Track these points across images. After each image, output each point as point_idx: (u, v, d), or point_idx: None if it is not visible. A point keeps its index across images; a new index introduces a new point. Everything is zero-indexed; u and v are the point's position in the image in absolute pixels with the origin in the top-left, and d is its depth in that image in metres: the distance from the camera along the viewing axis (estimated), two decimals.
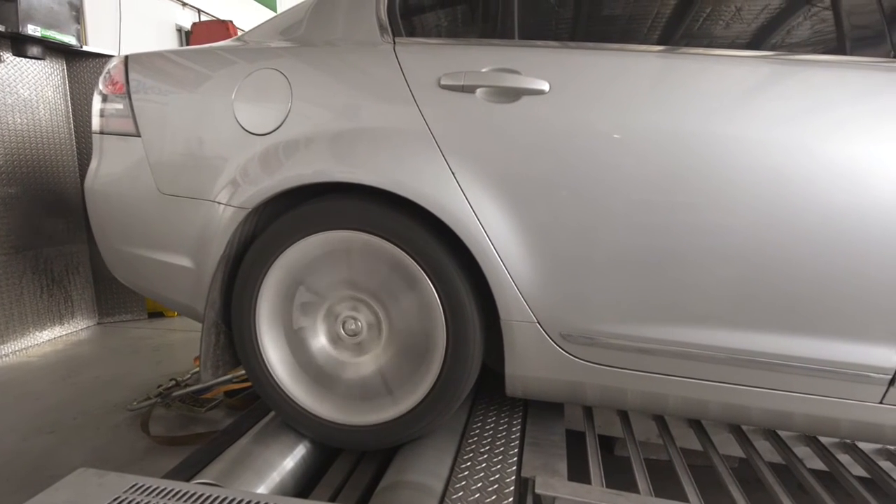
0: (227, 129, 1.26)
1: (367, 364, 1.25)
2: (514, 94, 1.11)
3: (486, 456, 1.23)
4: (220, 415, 2.16)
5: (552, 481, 1.13)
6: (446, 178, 1.12)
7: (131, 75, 1.39)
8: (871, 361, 1.05)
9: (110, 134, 1.45)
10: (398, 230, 1.14)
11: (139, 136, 1.37)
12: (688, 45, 1.12)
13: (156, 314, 3.69)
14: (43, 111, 3.03)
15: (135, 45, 3.84)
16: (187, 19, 4.49)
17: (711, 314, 1.09)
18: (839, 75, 1.02)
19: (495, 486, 1.11)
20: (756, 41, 1.10)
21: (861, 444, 1.48)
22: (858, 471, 1.41)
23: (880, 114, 0.99)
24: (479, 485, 1.12)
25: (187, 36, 4.44)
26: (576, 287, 1.12)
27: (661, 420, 1.56)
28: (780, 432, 1.52)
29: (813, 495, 1.24)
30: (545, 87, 1.10)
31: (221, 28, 4.36)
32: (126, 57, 1.42)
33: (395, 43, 1.21)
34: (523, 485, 1.14)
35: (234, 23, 4.47)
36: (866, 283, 1.02)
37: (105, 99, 1.46)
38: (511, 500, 1.07)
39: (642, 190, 1.06)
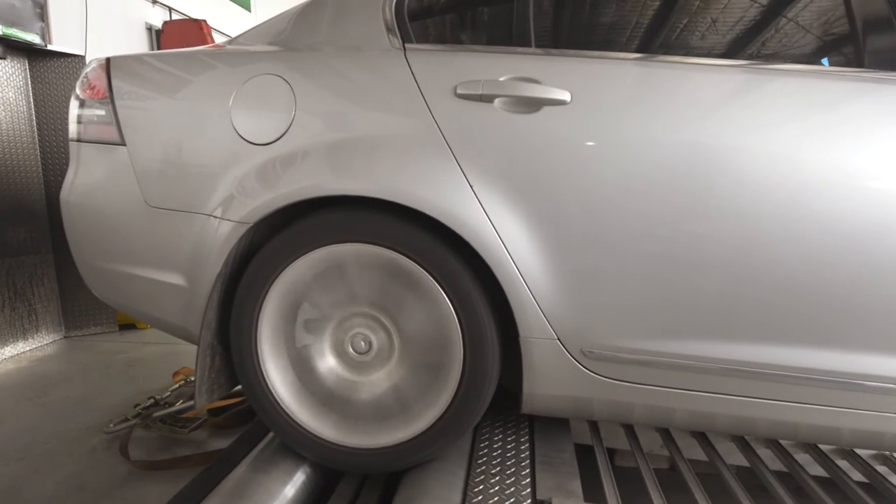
0: (224, 139, 1.19)
1: (378, 384, 1.20)
2: (534, 105, 1.08)
3: (497, 478, 1.20)
4: (205, 435, 2.05)
5: (569, 503, 1.10)
6: (464, 190, 1.08)
7: (115, 80, 1.29)
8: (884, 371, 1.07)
9: (90, 142, 1.35)
10: (415, 245, 1.10)
11: (124, 144, 1.28)
12: (706, 55, 1.12)
13: (127, 326, 3.52)
14: (3, 114, 2.84)
15: (102, 44, 3.66)
16: (158, 18, 4.31)
17: (734, 328, 1.08)
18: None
19: None
20: (776, 54, 1.11)
21: (859, 450, 1.51)
22: (857, 475, 1.44)
23: (849, 121, 1.01)
24: None
25: (158, 35, 4.27)
26: (597, 302, 1.10)
27: (665, 431, 1.56)
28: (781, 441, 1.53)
29: (815, 499, 1.26)
30: (567, 97, 1.07)
31: (194, 27, 4.20)
32: (108, 60, 1.33)
33: (405, 49, 1.17)
34: None
35: (208, 22, 4.32)
36: (885, 293, 1.03)
37: (83, 104, 1.36)
38: None
39: (664, 204, 1.05)
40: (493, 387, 1.16)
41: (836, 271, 1.04)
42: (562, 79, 1.08)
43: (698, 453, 1.49)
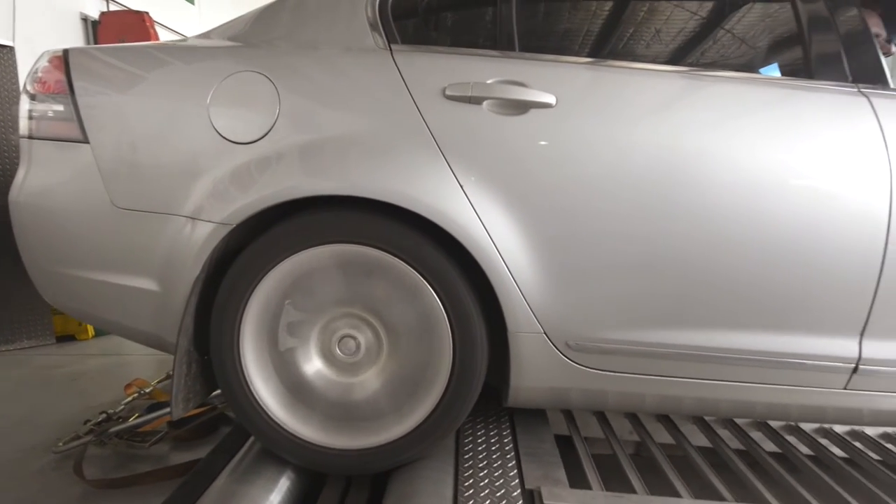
0: (202, 137, 1.14)
1: (367, 384, 1.19)
2: (522, 107, 1.12)
3: (486, 472, 1.23)
4: (166, 449, 1.95)
5: (557, 491, 1.14)
6: (454, 190, 1.10)
7: (76, 74, 1.21)
8: (837, 353, 1.19)
9: (44, 139, 1.26)
10: (404, 244, 1.10)
11: (87, 142, 1.20)
12: (680, 63, 1.20)
13: (66, 338, 3.28)
14: None
15: (32, 34, 3.39)
16: (94, 8, 4.04)
17: (706, 317, 1.17)
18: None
19: (504, 502, 1.11)
20: (753, 64, 1.21)
21: (804, 426, 1.66)
22: (805, 449, 1.58)
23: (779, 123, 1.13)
24: (488, 502, 1.11)
25: (94, 26, 4.00)
26: (581, 297, 1.15)
27: (633, 417, 1.64)
28: (737, 420, 1.66)
29: (771, 472, 1.37)
30: (552, 100, 1.11)
31: (136, 20, 3.96)
32: (65, 52, 1.25)
33: (391, 50, 1.17)
34: (529, 497, 1.14)
35: (151, 14, 4.10)
36: (833, 283, 1.15)
37: (34, 99, 1.27)
38: None
39: (643, 202, 1.11)
40: (482, 381, 1.18)
41: (776, 263, 1.14)
42: (547, 83, 1.12)
43: (665, 437, 1.58)
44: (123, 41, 3.91)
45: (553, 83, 1.13)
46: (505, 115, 1.12)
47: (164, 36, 4.82)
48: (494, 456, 1.29)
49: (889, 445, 1.56)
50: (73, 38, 3.88)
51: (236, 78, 1.15)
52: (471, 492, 1.14)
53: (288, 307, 1.17)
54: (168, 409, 2.11)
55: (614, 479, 1.32)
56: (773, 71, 1.28)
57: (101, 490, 1.67)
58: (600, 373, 1.21)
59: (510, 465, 1.25)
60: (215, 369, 1.19)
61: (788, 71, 1.24)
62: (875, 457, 1.51)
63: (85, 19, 3.97)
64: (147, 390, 2.33)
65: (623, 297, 1.17)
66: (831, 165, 1.13)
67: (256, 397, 1.18)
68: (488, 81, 1.13)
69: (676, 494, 1.21)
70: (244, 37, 1.27)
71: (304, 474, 1.28)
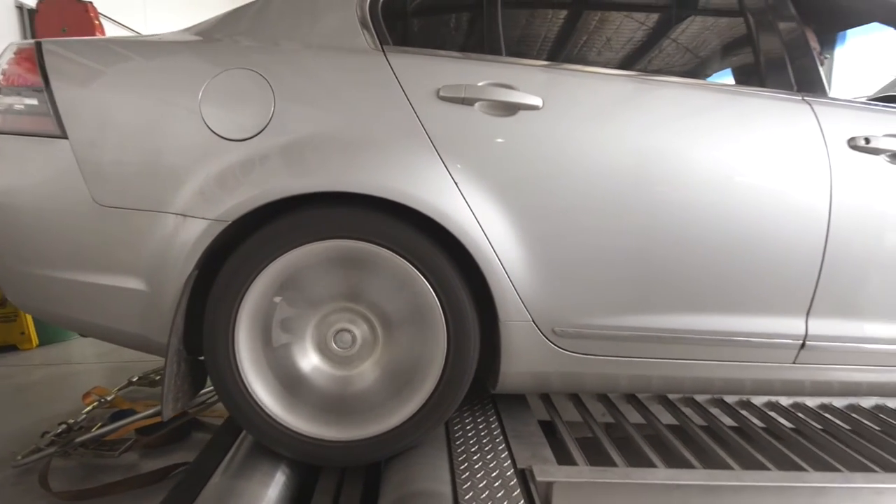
0: (194, 133, 1.13)
1: (365, 375, 1.22)
2: (511, 109, 1.18)
3: (478, 455, 1.28)
4: (135, 457, 1.88)
5: (547, 468, 1.22)
6: (450, 187, 1.15)
7: (51, 67, 1.17)
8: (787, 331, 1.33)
9: (13, 134, 1.20)
10: (401, 240, 1.14)
11: (65, 137, 1.16)
12: (651, 71, 1.31)
13: (7, 348, 3.07)
14: None
15: None
16: None
17: (673, 302, 1.28)
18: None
19: (500, 482, 1.17)
20: (711, 73, 1.33)
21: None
22: (758, 422, 1.74)
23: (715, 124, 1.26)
24: (484, 483, 1.17)
25: (31, 15, 3.74)
26: (566, 286, 1.23)
27: (606, 399, 1.75)
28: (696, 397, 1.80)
29: (731, 444, 1.51)
30: (539, 102, 1.19)
31: (79, 10, 3.74)
32: (38, 44, 1.20)
33: (384, 51, 1.20)
34: (522, 476, 1.21)
35: (94, 5, 3.88)
36: (782, 270, 1.29)
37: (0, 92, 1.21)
38: (518, 491, 1.13)
39: (618, 199, 1.21)
40: (475, 367, 1.24)
41: (732, 252, 1.27)
42: (534, 86, 1.20)
43: (637, 417, 1.70)
44: (65, 33, 3.69)
45: (539, 87, 1.20)
46: (495, 115, 1.18)
47: (110, 29, 4.57)
48: (484, 441, 1.35)
49: (827, 415, 1.74)
50: (7, 26, 3.62)
51: (229, 75, 1.15)
52: (467, 474, 1.20)
53: (283, 303, 1.18)
54: (135, 416, 2.05)
55: (595, 457, 1.41)
56: (728, 79, 1.42)
57: (71, 502, 1.60)
58: (582, 356, 1.30)
59: (500, 447, 1.31)
60: (209, 366, 1.18)
61: (744, 80, 1.37)
62: (817, 426, 1.68)
63: (20, 7, 3.71)
64: (108, 398, 2.23)
65: (602, 286, 1.26)
66: (779, 166, 1.27)
67: (252, 393, 1.18)
68: (479, 84, 1.18)
69: (653, 465, 1.31)
70: (228, 33, 1.26)
71: (299, 467, 1.29)
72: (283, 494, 1.20)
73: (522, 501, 1.10)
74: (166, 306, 1.18)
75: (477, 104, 1.18)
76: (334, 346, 1.22)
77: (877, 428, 1.65)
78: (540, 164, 1.19)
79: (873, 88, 3.36)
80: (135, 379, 2.46)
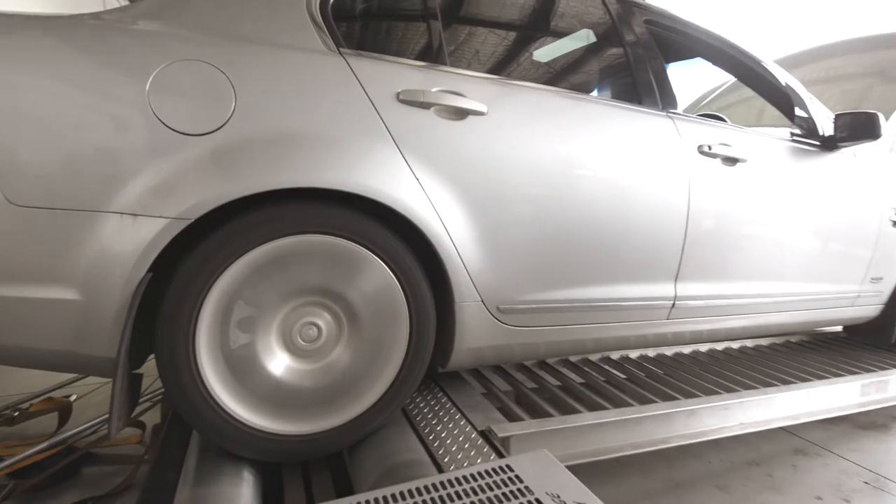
0: (139, 126, 1.04)
1: (333, 366, 1.24)
2: (461, 113, 1.33)
3: (440, 426, 1.40)
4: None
5: (503, 426, 1.39)
6: (411, 183, 1.25)
7: None
8: (663, 294, 1.69)
9: None
10: (366, 232, 1.20)
11: None
12: (563, 85, 1.56)
13: None
14: None
15: None
16: None
17: (587, 277, 1.55)
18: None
19: (468, 444, 1.30)
20: (599, 90, 1.62)
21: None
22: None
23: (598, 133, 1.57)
24: (455, 446, 1.29)
25: None
26: (507, 269, 1.42)
27: (526, 369, 1.99)
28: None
29: (626, 388, 1.86)
30: (485, 109, 1.35)
31: None
32: None
33: (342, 54, 1.24)
34: (484, 436, 1.36)
35: None
36: (656, 246, 1.65)
37: None
38: (486, 448, 1.28)
39: (547, 192, 1.44)
40: (433, 346, 1.35)
41: (621, 236, 1.59)
42: (479, 94, 1.36)
43: (553, 380, 1.96)
44: None
45: (484, 95, 1.37)
46: (448, 119, 1.31)
47: None
48: (441, 414, 1.47)
49: (682, 359, 2.22)
50: None
51: (181, 66, 1.08)
52: (437, 443, 1.31)
53: (242, 303, 1.15)
54: (7, 462, 1.73)
55: (533, 413, 1.62)
56: (612, 96, 1.76)
57: None
58: (518, 328, 1.50)
59: (457, 417, 1.45)
60: (162, 374, 1.10)
61: (626, 98, 1.70)
62: (679, 367, 2.14)
63: None
64: None
65: (533, 266, 1.47)
66: (654, 167, 1.62)
67: (212, 394, 1.13)
68: (433, 90, 1.30)
69: (577, 411, 1.57)
70: (172, 21, 1.16)
71: (261, 464, 1.27)
72: (256, 491, 1.18)
73: (493, 455, 1.25)
74: (107, 315, 1.07)
75: (433, 108, 1.29)
76: (300, 340, 1.22)
77: (717, 365, 2.16)
78: (485, 163, 1.35)
79: (687, 103, 4.29)
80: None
